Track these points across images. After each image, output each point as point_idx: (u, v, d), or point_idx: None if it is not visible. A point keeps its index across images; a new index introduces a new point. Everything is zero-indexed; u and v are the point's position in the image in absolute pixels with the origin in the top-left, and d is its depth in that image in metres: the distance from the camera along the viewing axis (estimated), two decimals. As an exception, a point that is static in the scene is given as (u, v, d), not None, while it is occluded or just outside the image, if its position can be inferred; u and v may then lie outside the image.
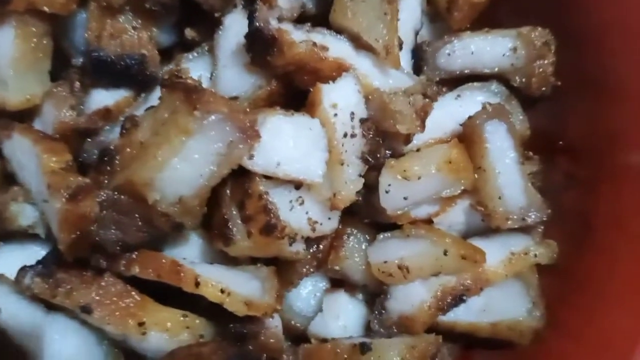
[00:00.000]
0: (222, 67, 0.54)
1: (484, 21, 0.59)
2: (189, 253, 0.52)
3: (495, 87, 0.57)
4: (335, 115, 0.47)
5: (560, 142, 0.58)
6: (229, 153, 0.45)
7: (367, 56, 0.51)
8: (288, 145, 0.47)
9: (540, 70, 0.56)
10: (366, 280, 0.54)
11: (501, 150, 0.52)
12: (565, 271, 0.54)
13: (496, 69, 0.57)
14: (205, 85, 0.54)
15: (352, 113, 0.48)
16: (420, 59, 0.57)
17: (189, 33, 0.57)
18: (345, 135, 0.48)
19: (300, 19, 0.57)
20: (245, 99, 0.52)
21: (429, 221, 0.54)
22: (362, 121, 0.49)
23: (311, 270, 0.53)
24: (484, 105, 0.53)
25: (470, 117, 0.52)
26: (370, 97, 0.50)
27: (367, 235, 0.55)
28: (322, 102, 0.47)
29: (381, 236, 0.54)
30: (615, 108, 0.53)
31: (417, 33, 0.57)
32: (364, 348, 0.47)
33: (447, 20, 0.58)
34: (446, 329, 0.54)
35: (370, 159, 0.49)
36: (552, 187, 0.57)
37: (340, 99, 0.48)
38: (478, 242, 0.54)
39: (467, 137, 0.52)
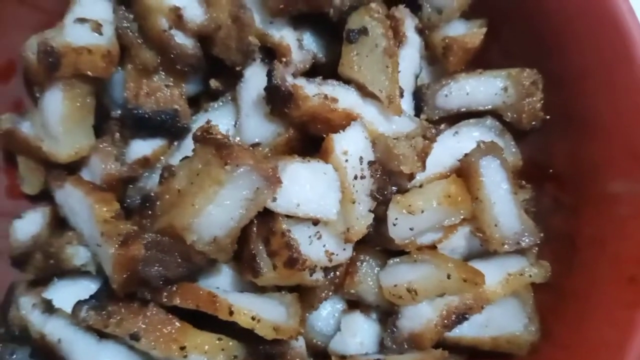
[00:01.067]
0: (244, 115, 0.61)
1: (477, 63, 0.66)
2: (221, 283, 0.59)
3: (489, 122, 0.64)
4: (346, 160, 0.54)
5: (550, 171, 0.64)
6: (255, 198, 0.52)
7: (372, 104, 0.58)
8: (305, 188, 0.53)
9: (530, 107, 0.62)
10: (379, 301, 0.61)
11: (495, 182, 0.58)
12: (556, 288, 0.60)
13: (490, 107, 0.63)
14: (230, 132, 0.62)
15: (361, 157, 0.55)
16: (420, 100, 0.63)
17: (214, 84, 0.65)
18: (355, 177, 0.54)
19: (313, 68, 0.64)
20: (267, 145, 0.59)
21: (433, 247, 0.61)
22: (370, 164, 0.55)
23: (329, 294, 0.60)
24: (479, 143, 0.59)
25: (466, 154, 0.59)
26: (376, 141, 0.56)
27: (378, 261, 0.61)
28: (334, 149, 0.54)
29: (391, 262, 0.60)
30: (595, 141, 0.59)
31: (417, 77, 0.63)
32: (379, 363, 0.54)
33: (443, 64, 0.64)
34: (452, 343, 0.60)
35: (378, 196, 0.56)
36: (543, 212, 0.64)
37: (350, 146, 0.54)
38: (478, 265, 0.60)
39: (465, 172, 0.59)
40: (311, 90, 0.56)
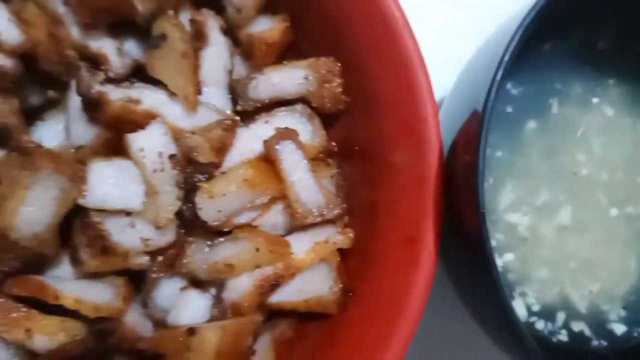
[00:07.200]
0: (72, 121, 0.67)
1: (290, 53, 0.72)
2: (62, 272, 0.66)
3: (300, 108, 0.70)
4: (144, 156, 0.61)
5: (356, 148, 0.70)
6: (64, 197, 0.59)
7: (176, 102, 0.64)
8: (109, 183, 0.60)
9: (330, 92, 0.69)
10: (210, 278, 0.68)
11: (293, 163, 0.65)
12: (361, 252, 0.67)
13: (297, 95, 0.70)
14: (62, 137, 0.69)
15: (160, 152, 0.62)
16: (235, 94, 0.70)
17: (51, 94, 0.71)
18: (155, 170, 0.61)
19: (139, 70, 0.70)
20: (88, 148, 0.66)
21: (251, 225, 0.68)
22: (171, 157, 0.62)
23: (162, 275, 0.67)
24: (276, 129, 0.65)
25: (265, 140, 0.65)
26: (177, 136, 0.63)
27: (209, 242, 0.68)
28: (130, 148, 0.61)
29: (216, 241, 0.67)
30: (381, 118, 0.65)
31: (230, 71, 0.70)
32: (191, 331, 0.62)
33: (253, 59, 0.70)
34: (276, 309, 0.68)
35: (183, 186, 0.63)
36: (353, 185, 0.70)
37: (147, 143, 0.61)
38: (293, 237, 0.67)
39: (267, 156, 0.65)
40: (116, 94, 0.63)
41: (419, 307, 0.60)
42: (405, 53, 0.60)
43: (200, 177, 0.64)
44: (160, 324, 0.69)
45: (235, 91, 0.70)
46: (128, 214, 0.62)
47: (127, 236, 0.62)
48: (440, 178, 0.60)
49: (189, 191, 0.64)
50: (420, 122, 0.60)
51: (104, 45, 0.68)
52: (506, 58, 0.53)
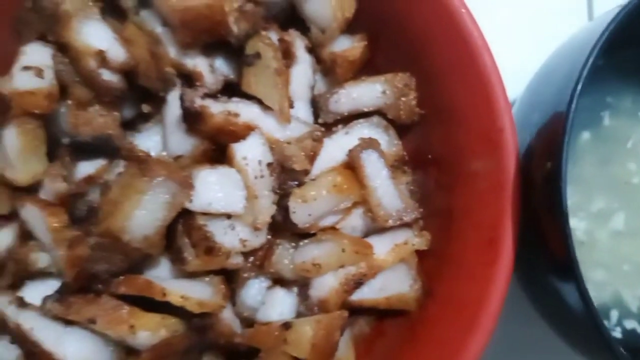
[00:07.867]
0: (169, 133, 0.73)
1: (367, 69, 0.78)
2: (161, 272, 0.72)
3: (376, 120, 0.76)
4: (247, 164, 0.66)
5: (430, 156, 0.76)
6: (173, 201, 0.65)
7: (270, 115, 0.70)
8: (215, 189, 0.66)
9: (406, 105, 0.74)
10: (295, 277, 0.73)
11: (375, 170, 0.70)
12: (437, 254, 0.72)
13: (374, 108, 0.76)
14: (159, 148, 0.74)
15: (260, 160, 0.67)
16: (317, 108, 0.75)
17: (145, 108, 0.77)
18: (255, 177, 0.67)
19: (228, 86, 0.76)
20: (188, 157, 0.71)
21: (334, 228, 0.73)
22: (268, 165, 0.68)
23: (252, 274, 0.72)
24: (360, 139, 0.71)
25: (350, 150, 0.71)
26: (273, 146, 0.69)
27: (293, 244, 0.73)
28: (234, 157, 0.66)
29: (301, 243, 0.73)
30: (459, 128, 0.71)
31: (312, 87, 0.76)
32: (287, 326, 0.67)
33: (333, 75, 0.76)
34: (357, 306, 0.73)
35: (279, 191, 0.68)
36: (428, 192, 0.76)
37: (249, 152, 0.67)
38: (372, 239, 0.73)
39: (351, 164, 0.71)
40: (216, 108, 0.69)
41: (497, 308, 0.64)
42: (484, 70, 0.66)
43: (292, 183, 0.69)
44: (247, 321, 0.75)
45: (317, 105, 0.75)
46: (229, 217, 0.67)
47: (229, 237, 0.67)
48: (517, 183, 0.65)
49: (281, 196, 0.69)
50: (498, 132, 0.66)
51: (199, 63, 0.74)
52: (585, 73, 0.59)
